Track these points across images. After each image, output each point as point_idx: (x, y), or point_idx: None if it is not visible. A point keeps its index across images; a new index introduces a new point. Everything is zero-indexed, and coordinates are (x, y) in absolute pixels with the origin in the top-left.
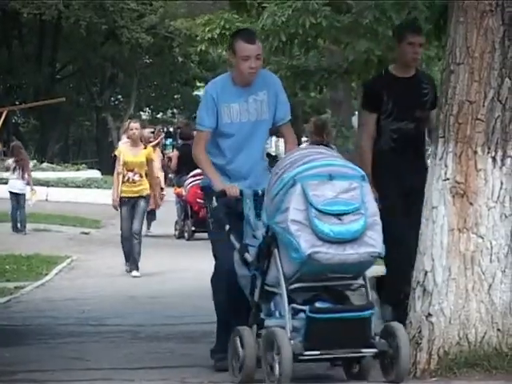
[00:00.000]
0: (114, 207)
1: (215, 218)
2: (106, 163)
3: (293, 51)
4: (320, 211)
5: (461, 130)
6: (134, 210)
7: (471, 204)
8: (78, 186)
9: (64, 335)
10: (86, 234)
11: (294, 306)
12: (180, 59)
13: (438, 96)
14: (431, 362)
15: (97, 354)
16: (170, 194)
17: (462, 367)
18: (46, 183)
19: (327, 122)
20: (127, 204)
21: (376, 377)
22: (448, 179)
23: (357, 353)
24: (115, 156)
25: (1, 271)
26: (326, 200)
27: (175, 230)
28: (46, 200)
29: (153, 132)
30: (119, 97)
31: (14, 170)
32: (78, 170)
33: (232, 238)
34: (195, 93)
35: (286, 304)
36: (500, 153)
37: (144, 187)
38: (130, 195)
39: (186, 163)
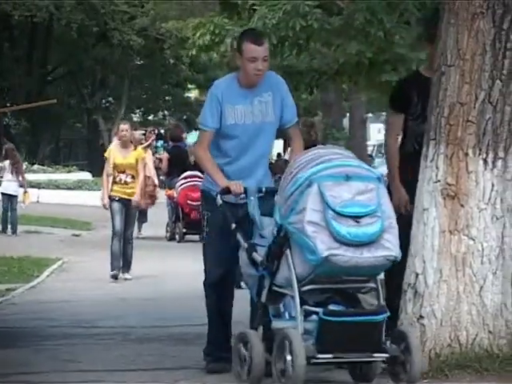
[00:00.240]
0: (103, 206)
1: (213, 222)
2: (97, 165)
3: (284, 54)
4: (337, 213)
5: (452, 131)
6: (125, 211)
7: (462, 206)
8: (69, 188)
9: (56, 337)
10: (77, 235)
11: (306, 307)
12: (171, 61)
13: None
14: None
15: (89, 356)
16: (161, 196)
17: (454, 369)
18: (37, 185)
19: (315, 122)
20: (118, 201)
21: (380, 378)
22: (439, 181)
23: (368, 357)
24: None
25: None
26: (344, 201)
27: (166, 231)
28: (37, 202)
29: (144, 134)
30: (110, 99)
31: (12, 172)
32: (69, 171)
33: (238, 236)
34: (186, 95)
35: (299, 306)
36: (491, 155)
37: (136, 190)
38: (121, 196)
39: (177, 165)
